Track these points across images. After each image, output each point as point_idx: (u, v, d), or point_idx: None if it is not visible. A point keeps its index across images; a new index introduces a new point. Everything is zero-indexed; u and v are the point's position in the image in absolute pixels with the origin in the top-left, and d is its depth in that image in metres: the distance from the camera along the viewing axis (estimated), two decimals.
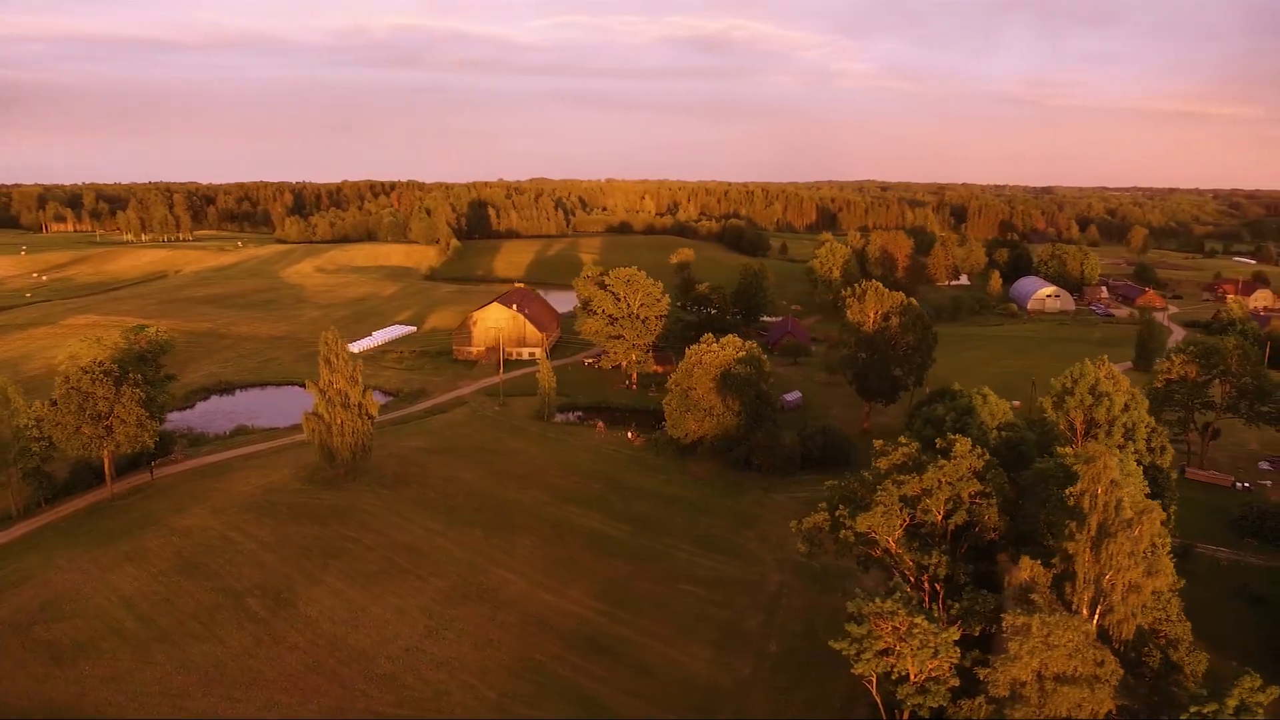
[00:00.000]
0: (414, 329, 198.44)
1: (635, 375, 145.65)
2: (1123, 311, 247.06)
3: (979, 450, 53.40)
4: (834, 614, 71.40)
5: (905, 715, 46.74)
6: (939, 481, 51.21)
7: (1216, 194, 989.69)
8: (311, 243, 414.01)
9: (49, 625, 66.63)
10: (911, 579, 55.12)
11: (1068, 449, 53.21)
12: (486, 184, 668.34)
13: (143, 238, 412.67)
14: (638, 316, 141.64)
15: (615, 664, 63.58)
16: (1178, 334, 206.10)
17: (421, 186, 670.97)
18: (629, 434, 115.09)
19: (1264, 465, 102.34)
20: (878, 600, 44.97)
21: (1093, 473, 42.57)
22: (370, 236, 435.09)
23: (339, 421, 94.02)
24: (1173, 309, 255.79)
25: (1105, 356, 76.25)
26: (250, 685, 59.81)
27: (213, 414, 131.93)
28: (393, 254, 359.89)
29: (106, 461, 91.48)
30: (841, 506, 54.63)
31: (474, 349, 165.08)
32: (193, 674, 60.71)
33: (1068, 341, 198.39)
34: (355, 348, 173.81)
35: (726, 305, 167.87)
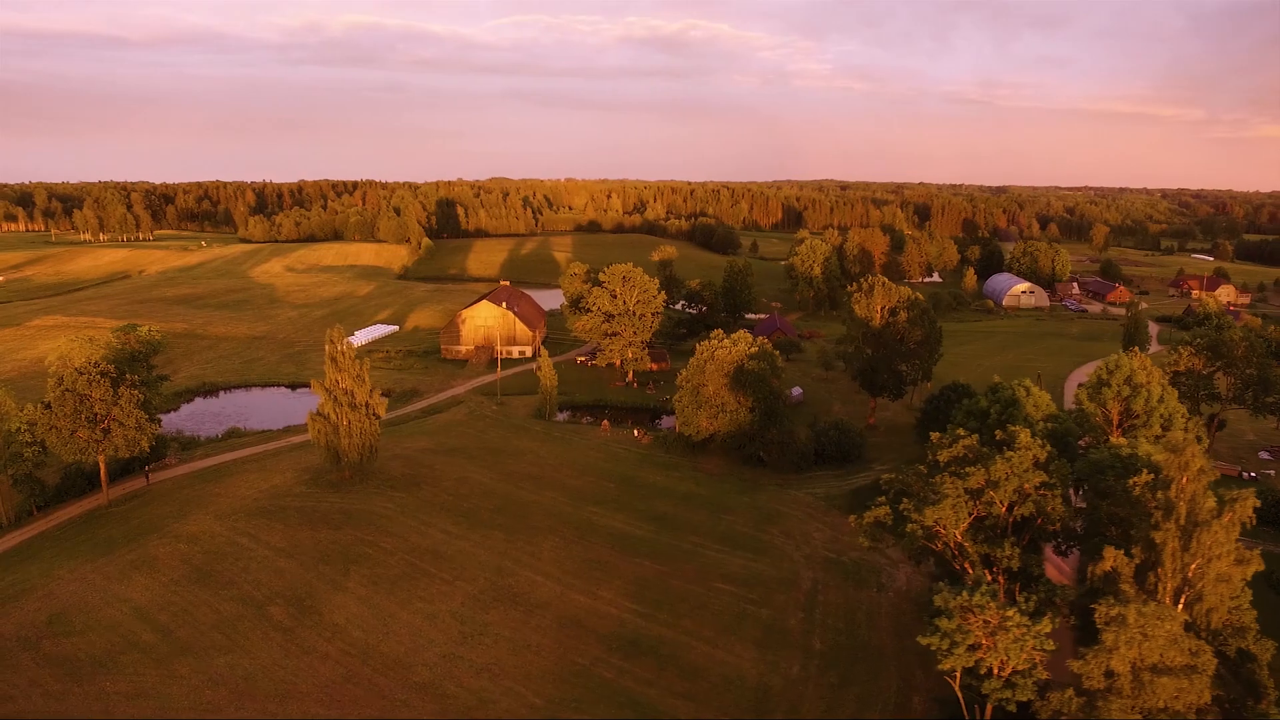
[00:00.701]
0: (396, 328, 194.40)
1: (631, 373, 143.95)
2: (1095, 307, 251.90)
3: (1040, 441, 52.85)
4: (872, 610, 71.08)
5: (988, 710, 45.88)
6: (1007, 473, 50.46)
7: (1165, 193, 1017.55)
8: (277, 242, 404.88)
9: (60, 640, 63.03)
10: (970, 570, 54.42)
11: (1122, 439, 52.97)
12: (450, 183, 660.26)
13: (101, 237, 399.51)
14: (634, 313, 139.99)
15: (661, 666, 61.95)
16: (1151, 329, 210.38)
17: (385, 186, 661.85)
18: (636, 432, 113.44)
19: (1264, 455, 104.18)
20: (964, 594, 43.97)
21: (1179, 462, 42.08)
22: (337, 236, 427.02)
23: (346, 422, 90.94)
24: (1142, 305, 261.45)
25: (1135, 348, 76.39)
26: (284, 698, 57.06)
27: (200, 416, 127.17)
28: (362, 253, 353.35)
29: (102, 467, 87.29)
30: (905, 500, 53.59)
31: (463, 348, 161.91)
32: (222, 688, 57.76)
33: (1049, 336, 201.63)
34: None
35: (719, 302, 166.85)
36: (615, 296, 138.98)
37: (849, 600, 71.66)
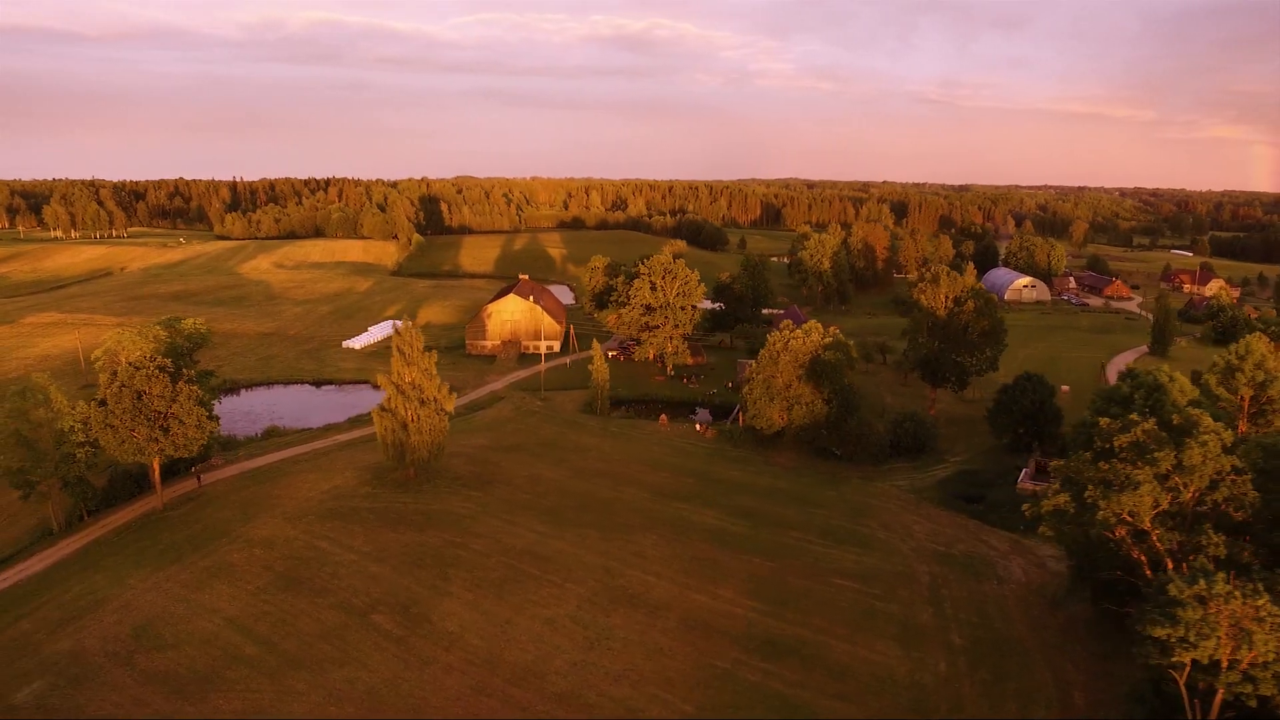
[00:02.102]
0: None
1: (671, 366, 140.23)
2: (1095, 301, 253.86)
3: (1222, 425, 50.34)
4: (1000, 603, 68.26)
5: (1215, 707, 43.07)
6: (1203, 457, 47.81)
7: (1123, 192, 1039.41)
8: (258, 239, 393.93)
9: (153, 654, 57.67)
10: (1143, 560, 51.80)
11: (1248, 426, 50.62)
12: (431, 180, 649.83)
13: (73, 234, 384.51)
14: (674, 306, 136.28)
15: (806, 666, 58.44)
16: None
17: (360, 183, 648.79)
18: (697, 426, 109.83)
19: None
20: (1202, 583, 41.07)
21: None
22: (318, 233, 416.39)
23: (414, 418, 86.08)
24: (1137, 298, 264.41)
25: (1258, 333, 74.54)
26: (417, 714, 52.47)
27: (229, 415, 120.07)
28: (350, 250, 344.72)
29: (156, 468, 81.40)
30: (1091, 487, 50.67)
31: (489, 343, 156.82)
32: (346, 704, 52.98)
33: (1061, 330, 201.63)
34: (357, 343, 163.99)
35: (749, 297, 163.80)
36: (655, 289, 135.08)
37: (973, 594, 68.82)
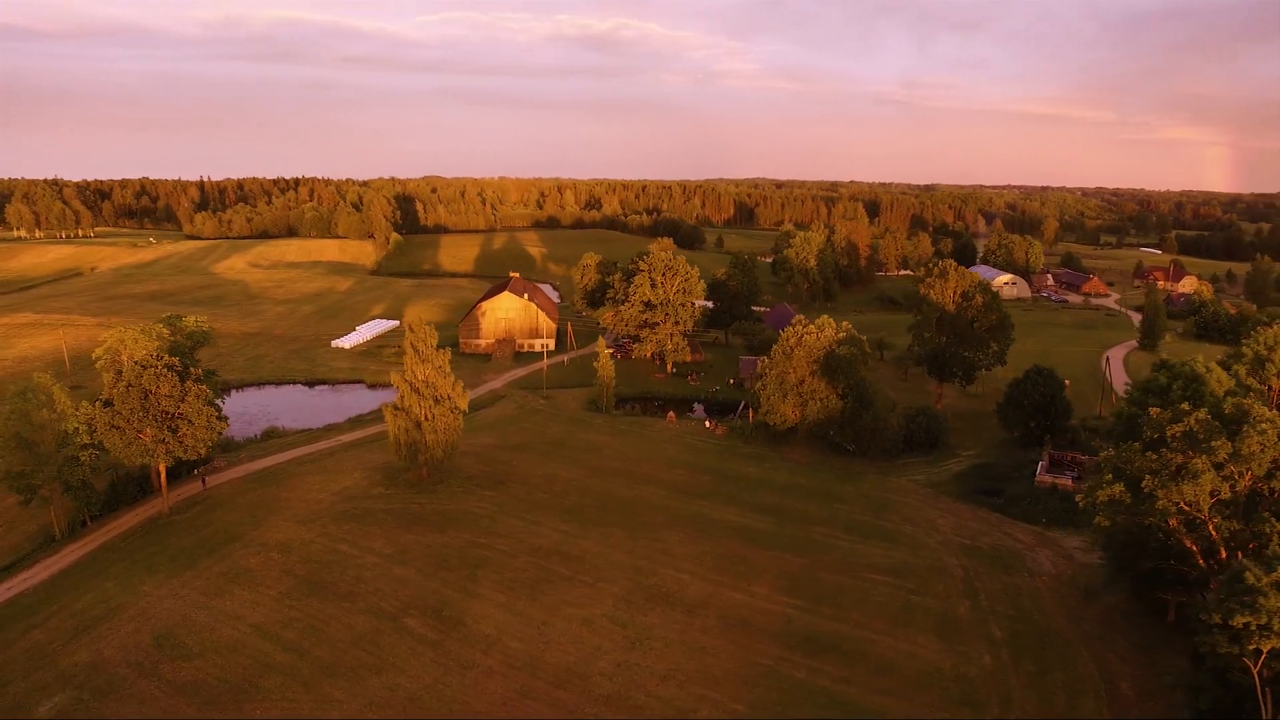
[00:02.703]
0: (396, 323, 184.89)
1: (671, 364, 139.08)
2: (1074, 298, 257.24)
3: (1274, 414, 50.36)
4: (1034, 595, 67.95)
5: None
6: (1261, 445, 47.76)
7: (1085, 192, 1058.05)
8: (230, 239, 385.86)
9: (179, 664, 55.26)
10: (1195, 549, 51.72)
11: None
12: (404, 180, 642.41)
13: (37, 234, 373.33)
14: (673, 303, 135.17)
15: (849, 662, 57.63)
16: (1136, 319, 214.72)
17: (329, 182, 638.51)
18: (707, 423, 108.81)
19: None
20: None
21: None
22: (291, 232, 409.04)
23: (428, 416, 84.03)
24: (1115, 295, 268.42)
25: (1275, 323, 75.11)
26: (462, 719, 50.80)
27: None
28: (326, 249, 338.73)
29: (162, 471, 78.48)
30: (1149, 477, 50.38)
31: (483, 341, 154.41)
32: (388, 712, 51.09)
33: (1045, 326, 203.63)
34: (346, 343, 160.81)
35: (744, 294, 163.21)
36: (656, 286, 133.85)
37: (1006, 586, 68.54)
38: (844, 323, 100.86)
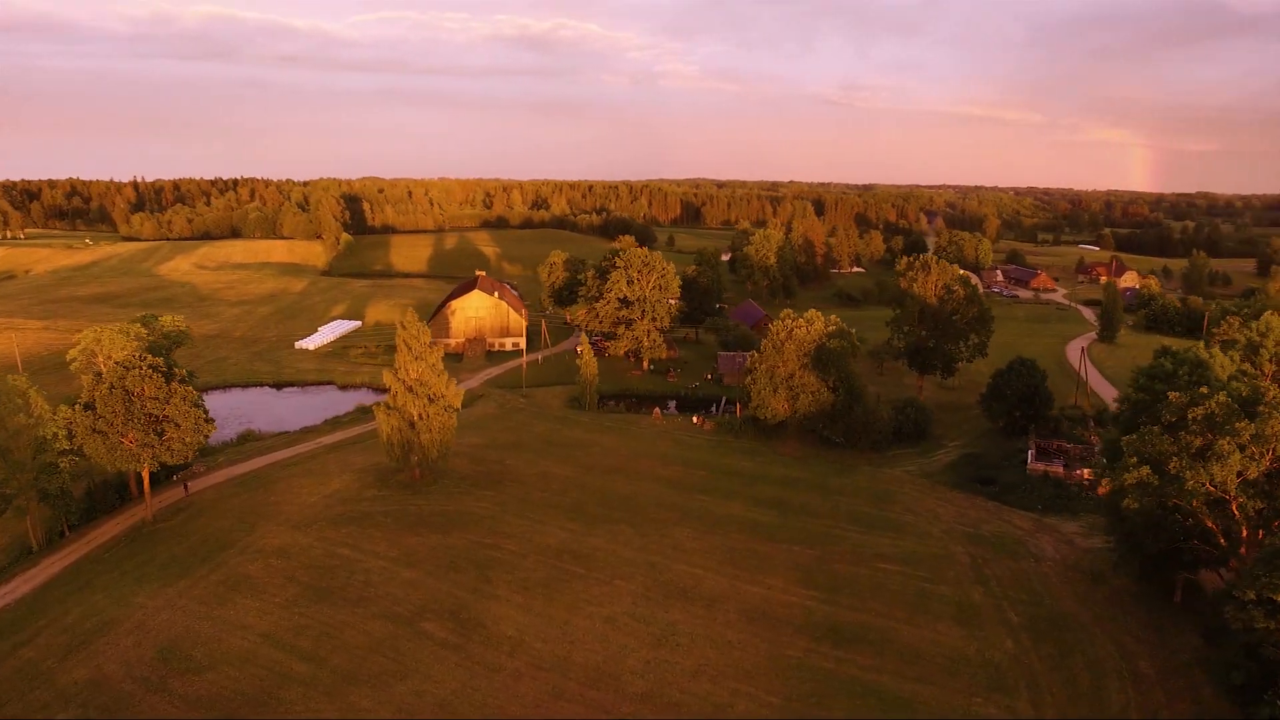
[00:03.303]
0: (359, 324, 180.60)
1: (648, 361, 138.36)
2: (1025, 293, 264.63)
3: None
4: (1043, 580, 69.09)
5: None
6: None
7: (1018, 191, 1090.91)
8: (171, 239, 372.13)
9: (189, 678, 52.41)
10: (1215, 528, 53.11)
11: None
12: (350, 181, 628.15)
13: None
14: (650, 300, 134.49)
15: (875, 651, 57.69)
16: (1086, 313, 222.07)
17: (268, 183, 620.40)
18: (695, 419, 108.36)
19: None
20: None
21: None
22: (235, 233, 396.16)
23: (422, 415, 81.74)
24: (1063, 290, 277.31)
25: (1273, 312, 77.81)
26: None
27: None
28: (273, 250, 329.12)
29: (145, 477, 74.76)
30: (1175, 459, 51.47)
31: (453, 340, 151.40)
32: (421, 716, 49.30)
33: (1003, 320, 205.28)
34: (310, 344, 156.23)
35: (714, 290, 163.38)
36: (633, 282, 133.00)
37: (1014, 572, 69.57)
38: (832, 316, 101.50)
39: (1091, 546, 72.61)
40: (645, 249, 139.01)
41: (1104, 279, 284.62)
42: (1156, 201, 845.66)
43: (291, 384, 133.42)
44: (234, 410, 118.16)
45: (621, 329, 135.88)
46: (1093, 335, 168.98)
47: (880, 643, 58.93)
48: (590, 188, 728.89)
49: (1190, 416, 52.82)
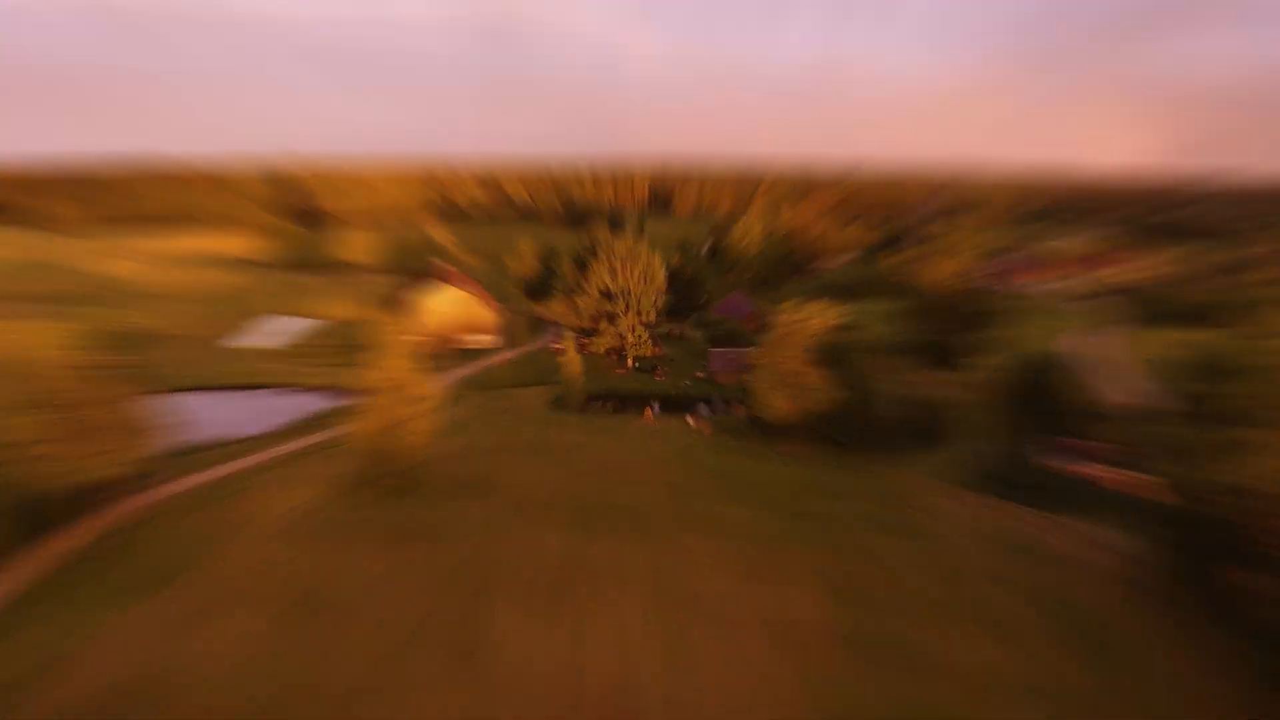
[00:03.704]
0: (311, 321, 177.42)
1: (632, 358, 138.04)
2: (1036, 282, 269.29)
3: None
4: (1075, 585, 69.87)
5: None
6: None
7: (1023, 170, 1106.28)
8: (79, 229, 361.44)
9: (170, 713, 50.86)
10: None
11: None
12: (276, 162, 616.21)
13: None
14: (635, 293, 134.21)
15: (912, 667, 57.82)
16: (1102, 303, 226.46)
17: (190, 166, 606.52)
18: (690, 420, 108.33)
19: None
20: None
21: None
22: (156, 220, 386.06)
23: (401, 417, 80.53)
24: (1075, 279, 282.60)
25: None
26: None
27: None
28: (204, 240, 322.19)
29: (91, 489, 72.50)
30: (1225, 455, 52.63)
31: (419, 337, 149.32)
32: None
33: (1016, 312, 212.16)
34: (259, 342, 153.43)
35: (699, 282, 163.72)
36: (616, 274, 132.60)
37: (1043, 576, 70.49)
38: (841, 309, 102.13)
39: (1120, 548, 74.04)
40: (630, 238, 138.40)
41: (1119, 268, 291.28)
42: (1176, 185, 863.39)
43: (244, 387, 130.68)
44: (181, 416, 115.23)
45: (604, 324, 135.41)
46: (1112, 327, 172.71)
47: (916, 657, 59.08)
48: (549, 172, 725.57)
49: (1242, 410, 54.06)
